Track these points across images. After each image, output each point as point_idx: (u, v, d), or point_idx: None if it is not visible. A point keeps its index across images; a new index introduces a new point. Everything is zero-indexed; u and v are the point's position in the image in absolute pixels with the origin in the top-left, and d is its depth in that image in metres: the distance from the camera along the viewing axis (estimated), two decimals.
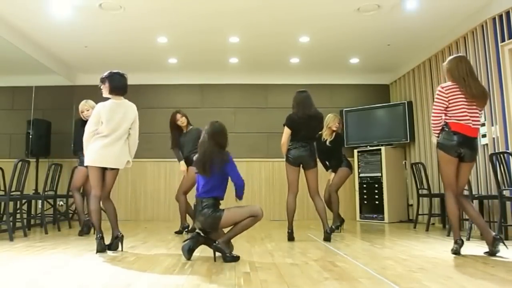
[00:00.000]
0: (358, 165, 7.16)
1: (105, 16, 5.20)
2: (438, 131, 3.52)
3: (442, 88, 3.50)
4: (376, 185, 6.86)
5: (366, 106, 7.32)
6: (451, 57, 3.65)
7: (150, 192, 7.42)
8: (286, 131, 4.45)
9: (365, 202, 7.00)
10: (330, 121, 5.24)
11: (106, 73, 3.86)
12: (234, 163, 3.28)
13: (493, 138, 4.87)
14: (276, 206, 7.19)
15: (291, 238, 4.41)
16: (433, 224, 5.97)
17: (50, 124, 7.19)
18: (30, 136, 6.84)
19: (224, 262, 3.11)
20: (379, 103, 7.38)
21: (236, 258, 3.16)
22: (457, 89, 3.46)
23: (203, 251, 3.67)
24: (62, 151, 7.18)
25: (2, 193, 5.01)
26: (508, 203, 4.43)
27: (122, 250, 3.66)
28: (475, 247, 3.79)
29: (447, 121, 3.48)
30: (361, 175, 7.09)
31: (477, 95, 3.46)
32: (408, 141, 6.90)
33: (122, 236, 3.69)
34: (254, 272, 2.73)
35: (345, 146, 7.38)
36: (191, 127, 5.32)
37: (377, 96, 7.68)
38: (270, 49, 6.50)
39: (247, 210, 3.25)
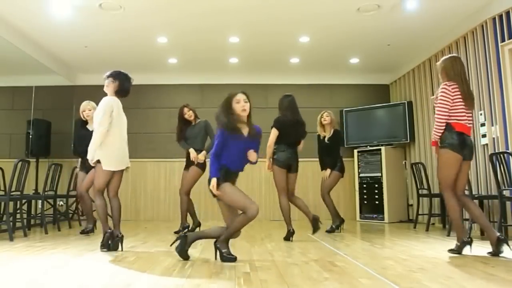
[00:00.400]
0: (358, 165, 7.16)
1: (105, 16, 5.20)
2: (442, 131, 3.49)
3: (448, 86, 3.45)
4: (376, 185, 6.86)
5: (366, 106, 7.32)
6: (446, 56, 3.65)
7: (150, 192, 7.42)
8: (274, 133, 4.51)
9: (365, 202, 7.00)
10: (319, 117, 5.26)
11: (116, 71, 3.83)
12: (219, 135, 3.12)
13: (493, 138, 4.87)
14: (276, 206, 7.12)
15: (289, 237, 4.40)
16: (433, 224, 5.97)
17: (50, 124, 7.19)
18: (30, 136, 6.84)
19: (222, 262, 3.11)
20: (379, 103, 7.38)
21: (232, 259, 3.09)
22: (457, 88, 3.46)
23: (203, 251, 3.67)
24: (62, 151, 7.18)
25: (2, 193, 5.01)
26: (508, 203, 4.43)
27: (122, 250, 3.66)
28: (475, 247, 3.79)
29: (448, 121, 3.46)
30: (361, 175, 7.09)
31: (469, 96, 3.49)
32: (408, 141, 6.90)
33: (122, 236, 3.69)
34: (254, 272, 2.73)
35: (345, 146, 7.39)
36: (199, 120, 5.25)
37: (377, 96, 7.68)
38: (270, 49, 6.50)
39: (242, 201, 3.06)
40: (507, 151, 4.39)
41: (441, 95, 3.44)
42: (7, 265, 3.02)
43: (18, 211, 4.88)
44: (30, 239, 4.48)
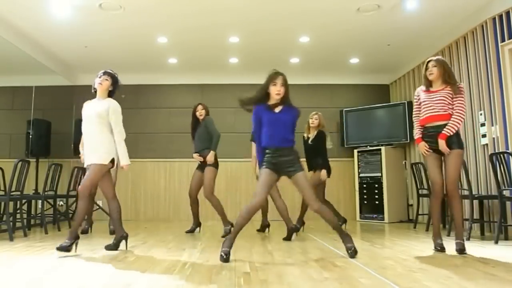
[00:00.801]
0: (358, 165, 7.16)
1: (105, 16, 5.20)
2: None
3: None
4: (376, 185, 6.86)
5: (366, 106, 7.32)
6: (441, 58, 3.68)
7: (150, 192, 7.42)
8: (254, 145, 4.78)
9: (365, 202, 7.00)
10: (309, 118, 5.23)
11: (115, 74, 3.79)
12: (253, 114, 3.37)
13: (493, 138, 4.87)
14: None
15: (290, 237, 4.46)
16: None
17: (50, 124, 7.19)
18: (30, 136, 6.84)
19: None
20: (379, 103, 7.38)
21: (226, 259, 3.07)
22: None
23: (203, 251, 3.67)
24: (62, 151, 7.18)
25: (2, 193, 5.01)
26: (508, 203, 4.43)
27: (126, 249, 3.70)
28: (475, 247, 3.79)
29: None
30: (361, 175, 7.09)
31: None
32: (408, 141, 6.90)
33: (127, 235, 3.73)
34: (254, 272, 2.73)
35: (345, 146, 7.39)
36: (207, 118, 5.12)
37: (377, 96, 7.68)
38: (270, 49, 6.50)
39: (259, 192, 3.19)
40: (507, 151, 4.39)
41: (463, 95, 3.54)
42: (7, 265, 3.02)
43: (18, 211, 4.88)
44: (30, 239, 4.48)
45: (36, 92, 7.25)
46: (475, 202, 4.91)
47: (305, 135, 5.25)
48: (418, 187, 5.83)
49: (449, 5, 4.97)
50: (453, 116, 3.48)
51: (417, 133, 3.71)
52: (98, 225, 5.78)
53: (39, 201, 6.28)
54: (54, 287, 2.35)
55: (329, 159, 5.15)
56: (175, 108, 7.58)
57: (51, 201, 5.93)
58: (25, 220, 4.91)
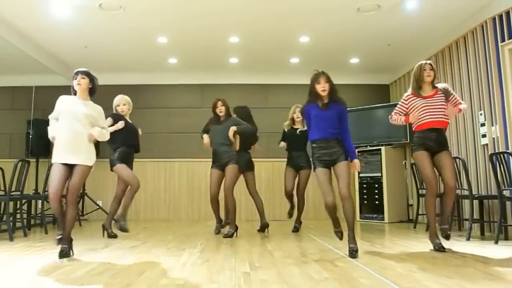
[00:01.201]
0: None
1: (105, 16, 5.20)
2: None
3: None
4: (376, 185, 6.86)
5: (366, 106, 7.32)
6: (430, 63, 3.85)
7: (150, 192, 7.41)
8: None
9: (365, 202, 7.00)
10: (292, 111, 5.25)
11: (87, 71, 3.63)
12: (305, 115, 3.70)
13: (493, 138, 4.87)
14: (276, 206, 7.19)
15: (263, 230, 5.05)
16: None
17: None
18: (30, 136, 6.84)
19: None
20: (379, 103, 7.38)
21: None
22: None
23: (203, 251, 3.68)
24: None
25: (2, 193, 5.01)
26: (508, 203, 4.42)
27: (73, 255, 3.43)
28: (475, 247, 3.79)
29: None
30: (361, 175, 7.08)
31: None
32: (408, 141, 6.89)
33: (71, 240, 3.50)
34: (254, 272, 2.73)
35: None
36: (230, 117, 4.93)
37: (377, 96, 7.68)
38: (270, 49, 6.50)
39: (327, 193, 3.46)
40: (507, 151, 4.39)
41: None
42: (7, 265, 3.03)
43: (18, 211, 4.89)
44: (30, 239, 4.48)
45: (36, 92, 7.26)
46: (475, 202, 4.91)
47: (287, 126, 5.29)
48: (418, 187, 5.83)
49: (449, 5, 4.97)
50: (461, 104, 3.74)
51: (399, 117, 3.88)
52: (98, 225, 5.77)
53: (39, 201, 6.28)
54: (54, 287, 2.35)
55: None
56: (175, 108, 7.59)
57: None
58: (25, 220, 4.91)
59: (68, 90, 3.73)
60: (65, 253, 3.32)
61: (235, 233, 4.72)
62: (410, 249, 3.77)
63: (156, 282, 2.48)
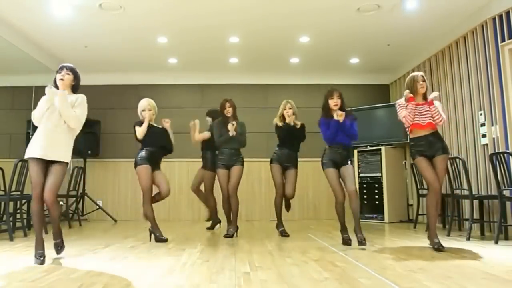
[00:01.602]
0: (358, 165, 7.16)
1: (105, 16, 5.20)
2: None
3: None
4: (376, 185, 6.86)
5: (366, 106, 7.32)
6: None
7: None
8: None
9: (365, 202, 7.00)
10: (282, 107, 4.92)
11: (71, 66, 3.50)
12: (322, 124, 4.20)
13: (493, 138, 4.87)
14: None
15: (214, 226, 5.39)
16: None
17: None
18: (30, 136, 6.81)
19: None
20: (379, 103, 7.38)
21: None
22: None
23: (203, 251, 3.68)
24: None
25: (2, 193, 5.01)
26: (508, 203, 4.43)
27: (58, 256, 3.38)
28: (475, 247, 3.79)
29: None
30: (361, 175, 7.08)
31: None
32: (408, 141, 6.88)
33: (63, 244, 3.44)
34: (254, 272, 2.73)
35: None
36: (237, 120, 5.00)
37: (377, 96, 7.68)
38: (270, 49, 6.50)
39: (337, 189, 4.13)
40: (507, 151, 4.39)
41: None
42: (7, 265, 3.03)
43: (18, 211, 4.88)
44: (30, 239, 4.48)
45: (36, 92, 7.24)
46: (475, 202, 4.91)
47: (279, 121, 4.93)
48: (418, 187, 5.83)
49: (449, 5, 4.97)
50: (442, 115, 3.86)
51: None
52: (98, 225, 5.78)
53: None
54: (54, 287, 2.35)
55: None
56: (175, 108, 7.57)
57: None
58: (25, 220, 4.91)
59: None
60: (60, 248, 3.37)
61: (236, 233, 4.72)
62: (410, 249, 3.77)
63: (156, 282, 2.48)
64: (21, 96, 7.46)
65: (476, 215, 4.95)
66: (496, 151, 4.57)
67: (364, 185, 7.03)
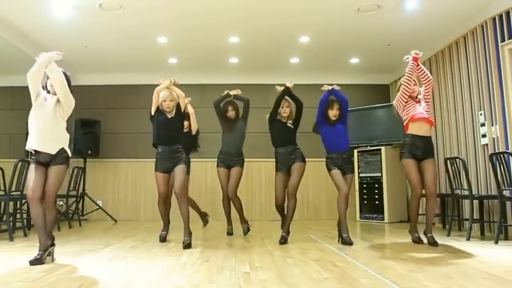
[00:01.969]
0: (358, 165, 7.16)
1: (105, 16, 5.20)
2: None
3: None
4: (376, 185, 6.86)
5: (366, 106, 7.32)
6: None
7: (150, 192, 7.40)
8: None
9: (365, 202, 7.00)
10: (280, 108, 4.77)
11: (64, 71, 3.54)
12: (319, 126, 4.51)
13: (493, 138, 4.87)
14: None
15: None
16: (433, 224, 5.95)
17: None
18: None
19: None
20: (379, 103, 7.38)
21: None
22: None
23: (203, 251, 3.68)
24: None
25: (2, 193, 5.01)
26: (508, 203, 4.43)
27: (53, 261, 3.21)
28: (475, 247, 3.79)
29: None
30: (361, 175, 7.08)
31: None
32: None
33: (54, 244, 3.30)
34: (254, 272, 2.73)
35: None
36: (238, 119, 5.13)
37: (377, 96, 7.67)
38: (270, 49, 6.50)
39: (341, 186, 4.21)
40: (507, 151, 4.39)
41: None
42: (7, 265, 3.02)
43: (18, 211, 4.88)
44: (30, 239, 4.48)
45: None
46: (475, 202, 4.91)
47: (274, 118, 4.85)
48: None
49: (449, 5, 4.97)
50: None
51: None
52: (98, 225, 5.78)
53: None
54: (54, 287, 2.35)
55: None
56: None
57: None
58: (25, 220, 4.91)
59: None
60: (49, 252, 3.16)
61: (247, 232, 4.92)
62: (410, 249, 3.77)
63: (156, 282, 2.48)
64: (21, 96, 7.41)
65: (476, 215, 4.95)
66: (496, 151, 4.57)
67: (364, 185, 7.03)
